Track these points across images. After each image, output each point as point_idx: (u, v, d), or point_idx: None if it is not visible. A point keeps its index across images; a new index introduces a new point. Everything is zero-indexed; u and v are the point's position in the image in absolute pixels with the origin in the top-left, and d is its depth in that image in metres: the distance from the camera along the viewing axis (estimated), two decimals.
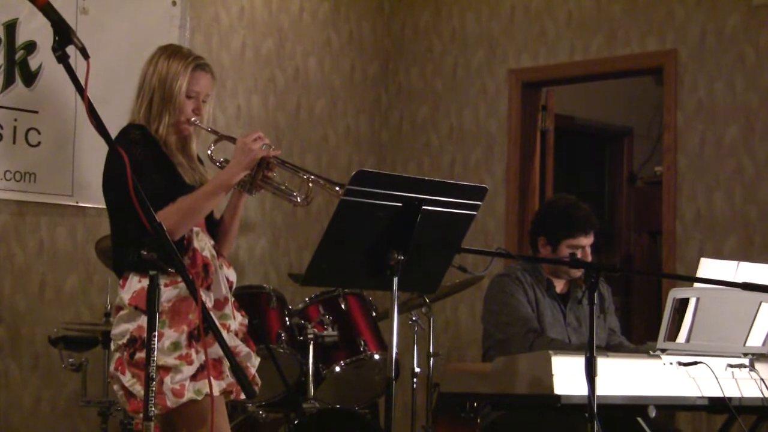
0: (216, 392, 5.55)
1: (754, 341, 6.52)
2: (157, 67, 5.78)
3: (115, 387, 5.55)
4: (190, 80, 5.81)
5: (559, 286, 7.16)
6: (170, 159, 5.64)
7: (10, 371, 8.04)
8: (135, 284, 5.48)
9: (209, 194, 5.33)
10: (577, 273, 7.09)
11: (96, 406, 5.74)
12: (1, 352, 8.02)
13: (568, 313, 7.09)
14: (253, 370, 5.80)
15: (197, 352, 5.53)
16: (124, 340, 5.47)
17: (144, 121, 5.70)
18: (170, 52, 5.90)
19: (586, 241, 7.00)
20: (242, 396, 5.73)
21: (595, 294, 5.49)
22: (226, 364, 5.50)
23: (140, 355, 5.40)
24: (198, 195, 5.36)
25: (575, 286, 7.15)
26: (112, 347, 5.56)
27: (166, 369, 5.30)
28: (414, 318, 8.00)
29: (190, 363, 5.50)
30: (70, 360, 6.93)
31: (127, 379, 5.44)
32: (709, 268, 6.22)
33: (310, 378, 7.63)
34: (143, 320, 5.37)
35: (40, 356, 7.90)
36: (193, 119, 5.80)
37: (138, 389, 5.40)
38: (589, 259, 7.00)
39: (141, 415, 5.27)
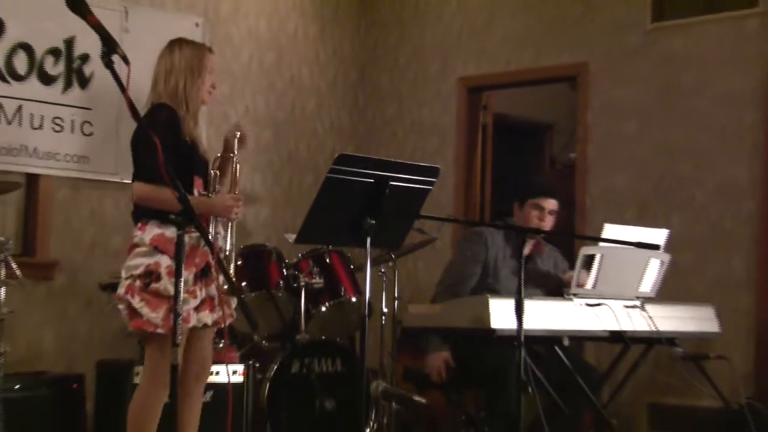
0: (209, 322, 5.71)
1: (644, 288, 6.59)
2: (183, 53, 5.80)
3: (121, 307, 5.54)
4: (209, 60, 5.86)
5: (528, 247, 7.15)
6: (182, 136, 5.63)
7: (69, 310, 8.05)
8: (155, 229, 5.52)
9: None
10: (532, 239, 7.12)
11: (135, 336, 5.74)
12: (63, 295, 8.03)
13: (526, 268, 7.07)
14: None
15: (200, 289, 5.59)
16: (139, 271, 5.47)
17: (170, 100, 5.70)
18: (185, 41, 5.95)
19: (546, 204, 7.02)
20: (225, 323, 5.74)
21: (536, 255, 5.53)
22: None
23: (155, 285, 5.45)
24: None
25: (542, 248, 7.19)
26: (124, 274, 5.55)
27: None
28: (382, 270, 8.04)
29: (195, 297, 5.58)
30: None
31: (137, 301, 5.45)
32: (610, 231, 6.26)
33: (302, 316, 7.64)
34: (160, 258, 5.47)
35: (92, 299, 7.90)
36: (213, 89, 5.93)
37: (146, 312, 5.45)
38: (549, 224, 7.04)
39: (141, 330, 5.51)
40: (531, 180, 7.32)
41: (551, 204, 7.07)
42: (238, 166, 5.87)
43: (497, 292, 6.55)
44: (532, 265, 7.07)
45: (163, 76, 5.78)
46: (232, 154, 5.86)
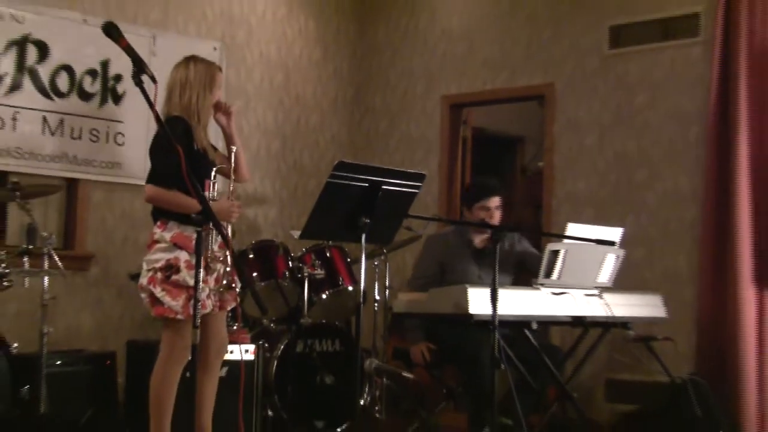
0: (217, 308, 5.81)
1: (602, 279, 6.57)
2: (197, 69, 5.78)
3: (143, 295, 5.57)
4: (219, 77, 5.86)
5: (481, 242, 7.16)
6: (194, 143, 5.61)
7: (103, 297, 8.05)
8: (174, 228, 5.54)
9: (191, 208, 5.04)
10: (485, 233, 7.14)
11: (159, 321, 5.74)
12: (98, 284, 8.03)
13: (482, 262, 7.10)
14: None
15: (208, 280, 5.60)
16: (160, 265, 5.48)
17: (184, 113, 5.68)
18: (198, 58, 5.90)
19: (491, 203, 7.01)
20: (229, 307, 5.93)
21: (498, 245, 5.52)
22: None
23: (175, 277, 5.47)
24: (186, 203, 5.21)
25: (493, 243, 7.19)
26: (146, 267, 5.55)
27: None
28: (376, 263, 8.04)
29: (207, 285, 5.60)
30: None
31: (158, 291, 5.48)
32: (573, 229, 6.26)
33: (305, 302, 7.63)
34: (179, 253, 5.50)
35: (123, 287, 7.90)
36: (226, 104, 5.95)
37: (167, 300, 5.48)
38: (497, 219, 7.03)
39: (163, 316, 5.54)
40: (472, 186, 7.31)
41: (495, 201, 7.06)
42: (238, 155, 5.85)
43: (455, 283, 6.54)
44: (488, 259, 7.05)
45: (178, 89, 5.75)
46: (233, 146, 5.86)
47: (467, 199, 7.17)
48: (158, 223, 5.62)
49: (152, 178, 5.59)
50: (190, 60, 5.87)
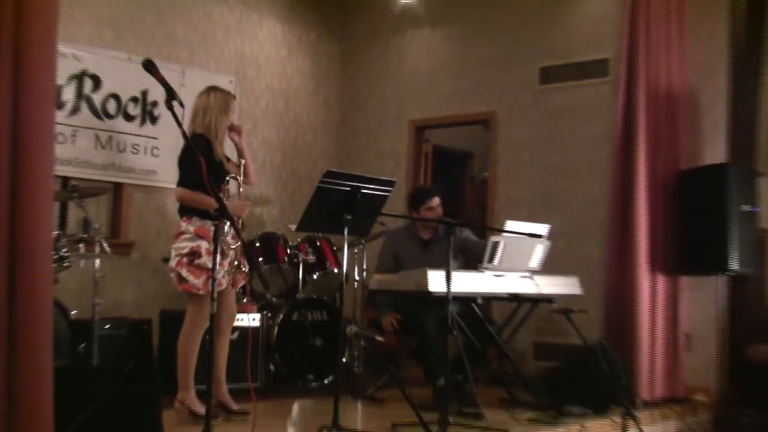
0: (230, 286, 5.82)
1: (533, 264, 6.63)
2: (216, 97, 5.81)
3: (172, 275, 5.62)
4: (233, 104, 5.89)
5: (427, 235, 7.18)
6: (213, 155, 5.65)
7: (142, 276, 8.08)
8: (197, 222, 5.58)
9: (210, 205, 4.99)
10: (429, 228, 7.15)
11: (184, 295, 5.77)
12: (137, 266, 8.05)
13: (429, 250, 7.11)
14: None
15: (223, 263, 5.63)
16: (186, 251, 5.54)
17: (205, 131, 5.72)
18: (217, 88, 5.94)
19: (433, 203, 7.03)
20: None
21: (449, 236, 5.54)
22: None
23: (198, 261, 5.52)
24: (207, 202, 5.26)
25: (438, 234, 7.20)
26: (174, 253, 5.60)
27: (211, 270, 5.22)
28: (356, 250, 8.07)
29: (222, 268, 5.61)
30: None
31: (185, 272, 5.53)
32: (511, 225, 6.30)
33: (300, 282, 7.67)
34: (201, 242, 5.53)
35: (157, 268, 7.94)
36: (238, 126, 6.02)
37: (192, 279, 5.53)
38: (441, 213, 7.04)
39: (188, 292, 5.59)
40: (416, 192, 7.31)
41: (436, 201, 7.07)
42: (247, 165, 5.91)
43: (408, 269, 6.57)
44: (434, 247, 7.09)
45: (201, 113, 5.77)
46: (242, 159, 5.90)
47: (415, 202, 7.15)
48: (184, 218, 5.66)
49: (181, 183, 5.64)
50: (211, 89, 5.90)
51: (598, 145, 8.14)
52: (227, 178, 5.81)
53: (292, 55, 9.80)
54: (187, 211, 5.65)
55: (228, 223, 5.12)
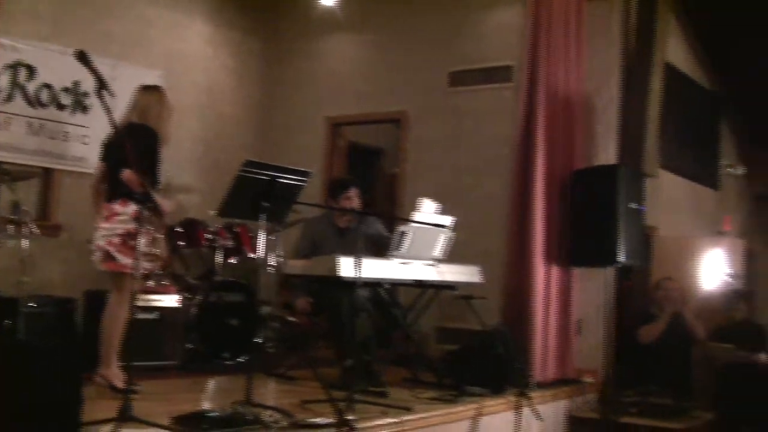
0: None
1: (437, 253, 6.65)
2: (152, 92, 5.86)
3: (98, 253, 5.55)
4: (165, 98, 5.87)
5: (343, 223, 7.17)
6: (156, 145, 5.62)
7: (69, 256, 7.86)
8: (132, 206, 5.49)
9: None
10: (345, 217, 7.13)
11: (108, 275, 5.69)
12: (65, 247, 7.88)
13: (345, 238, 7.09)
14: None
15: (149, 246, 5.60)
16: (119, 232, 5.47)
17: (143, 121, 5.68)
18: (154, 85, 6.02)
19: (352, 193, 7.01)
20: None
21: (362, 225, 5.56)
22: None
23: (131, 242, 5.43)
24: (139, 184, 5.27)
25: (354, 223, 7.20)
26: (105, 233, 5.54)
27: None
28: (273, 237, 8.04)
29: (149, 250, 5.59)
30: None
31: (114, 251, 5.47)
32: (417, 216, 6.32)
33: (219, 265, 7.63)
34: (133, 225, 5.43)
35: (83, 250, 7.59)
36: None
37: (119, 257, 5.47)
38: (358, 204, 7.03)
39: (114, 271, 5.54)
40: (335, 183, 7.32)
41: (354, 192, 7.06)
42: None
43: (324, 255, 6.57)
44: (349, 235, 7.08)
45: (143, 106, 5.76)
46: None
47: (334, 192, 7.11)
48: (119, 201, 5.56)
49: (127, 166, 5.53)
50: (149, 87, 5.95)
51: (500, 145, 8.19)
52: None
53: (216, 54, 9.74)
54: (123, 194, 5.57)
55: (156, 208, 5.21)
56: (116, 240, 5.50)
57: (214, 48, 9.72)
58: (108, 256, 5.51)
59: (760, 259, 10.67)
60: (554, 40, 7.50)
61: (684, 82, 9.51)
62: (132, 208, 5.51)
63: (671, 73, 8.80)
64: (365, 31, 9.70)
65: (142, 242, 5.30)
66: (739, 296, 8.44)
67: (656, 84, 8.15)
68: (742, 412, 7.68)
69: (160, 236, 5.68)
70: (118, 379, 5.56)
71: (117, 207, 5.56)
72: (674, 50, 9.01)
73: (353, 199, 7.04)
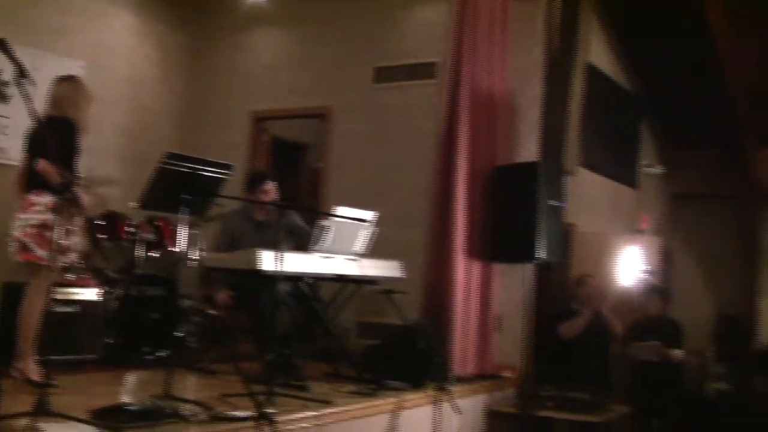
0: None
1: (357, 248, 6.67)
2: (71, 83, 5.82)
3: (14, 243, 5.52)
4: (84, 88, 5.81)
5: (261, 216, 7.15)
6: (74, 137, 5.56)
7: None
8: (48, 196, 5.46)
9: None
10: (263, 210, 7.13)
11: (25, 267, 5.62)
12: None
13: (263, 231, 7.07)
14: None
15: (67, 237, 5.55)
16: (35, 222, 5.43)
17: (61, 113, 5.61)
18: (73, 76, 5.96)
19: (268, 186, 7.04)
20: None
21: (282, 218, 5.56)
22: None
23: (47, 234, 5.38)
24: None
25: (272, 216, 7.19)
26: (21, 223, 5.50)
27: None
28: (194, 230, 7.98)
29: (67, 242, 5.54)
30: None
31: (30, 242, 5.44)
32: (340, 211, 6.33)
33: (139, 259, 7.58)
34: (50, 215, 5.38)
35: (2, 241, 7.67)
36: None
37: (38, 250, 5.43)
38: (275, 197, 7.04)
39: (31, 262, 5.49)
40: (252, 176, 7.34)
41: (270, 185, 7.09)
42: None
43: (242, 248, 6.55)
44: (268, 228, 7.07)
45: (59, 96, 5.70)
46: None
47: (251, 185, 7.14)
48: (36, 192, 5.51)
49: (44, 155, 5.46)
50: (68, 77, 5.88)
51: (424, 141, 8.24)
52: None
53: (141, 45, 9.66)
54: (40, 185, 5.49)
55: (75, 200, 5.19)
56: (32, 231, 5.45)
57: (140, 39, 9.64)
58: (24, 248, 5.46)
59: (675, 257, 10.90)
60: (479, 38, 7.57)
61: (605, 83, 9.67)
62: (48, 198, 5.46)
63: (593, 73, 8.95)
64: (291, 26, 9.70)
65: (57, 234, 5.26)
66: (655, 292, 8.61)
67: (578, 84, 8.29)
68: (654, 406, 7.87)
69: (78, 228, 5.62)
70: (35, 372, 5.50)
71: (33, 197, 5.51)
72: (597, 51, 9.17)
73: (270, 192, 7.05)
